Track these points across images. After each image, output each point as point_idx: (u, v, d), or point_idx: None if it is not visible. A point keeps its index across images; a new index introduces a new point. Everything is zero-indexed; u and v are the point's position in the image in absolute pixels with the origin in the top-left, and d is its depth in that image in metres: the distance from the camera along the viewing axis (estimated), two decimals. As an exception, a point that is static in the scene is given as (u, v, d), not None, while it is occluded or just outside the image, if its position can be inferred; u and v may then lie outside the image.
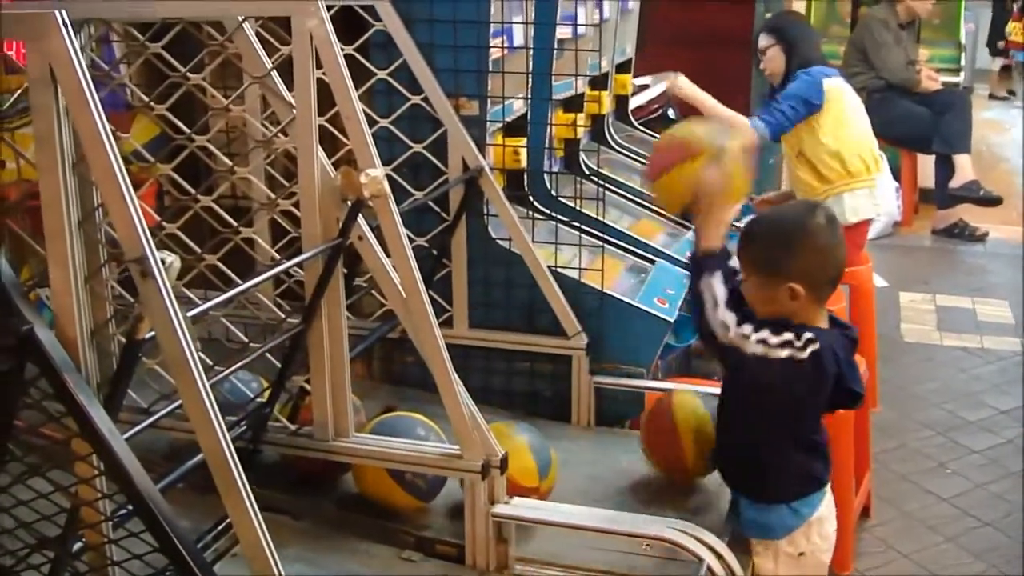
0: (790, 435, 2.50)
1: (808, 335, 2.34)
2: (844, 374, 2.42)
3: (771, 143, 4.68)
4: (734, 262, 2.50)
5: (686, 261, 2.88)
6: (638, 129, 4.87)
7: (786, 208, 2.64)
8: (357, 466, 2.69)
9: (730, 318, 2.38)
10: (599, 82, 4.23)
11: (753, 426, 2.51)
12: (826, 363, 2.35)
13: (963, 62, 8.79)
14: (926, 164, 7.74)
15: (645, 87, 5.35)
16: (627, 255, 3.67)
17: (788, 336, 2.34)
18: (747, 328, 2.36)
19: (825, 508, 2.58)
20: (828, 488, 2.61)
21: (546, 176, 3.66)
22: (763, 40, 4.73)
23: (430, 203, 3.25)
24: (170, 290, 1.70)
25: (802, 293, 2.36)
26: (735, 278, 2.49)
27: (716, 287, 2.41)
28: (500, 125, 3.45)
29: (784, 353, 2.32)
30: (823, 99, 4.51)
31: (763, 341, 2.34)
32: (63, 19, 1.63)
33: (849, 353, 2.48)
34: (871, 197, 4.62)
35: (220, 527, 2.11)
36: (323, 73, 2.36)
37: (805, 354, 2.32)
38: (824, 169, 4.57)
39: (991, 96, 12.99)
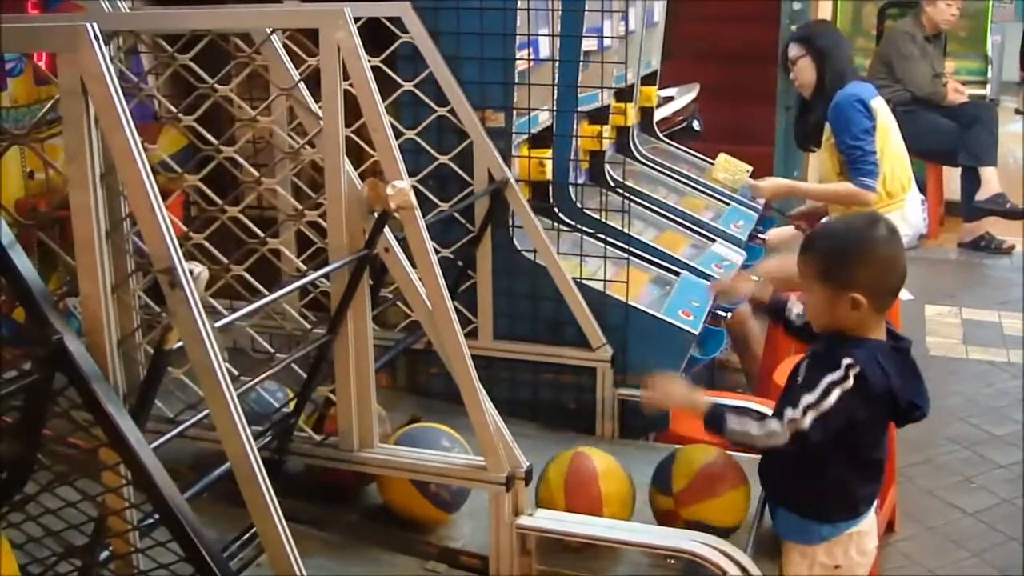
0: (850, 455, 2.47)
1: (847, 361, 2.33)
2: (895, 387, 2.40)
3: (794, 157, 4.63)
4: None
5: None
6: (663, 141, 4.89)
7: (848, 220, 2.66)
8: (382, 477, 2.69)
9: (773, 424, 2.35)
10: (624, 94, 4.24)
11: (816, 453, 2.44)
12: (872, 381, 2.34)
13: (990, 74, 8.72)
14: (952, 177, 7.70)
15: (670, 99, 5.35)
16: (652, 267, 3.66)
17: (829, 378, 2.33)
18: (792, 412, 2.33)
19: (866, 523, 2.56)
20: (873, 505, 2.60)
21: (571, 188, 3.66)
22: (793, 50, 4.65)
23: (455, 215, 3.26)
24: (199, 301, 1.71)
25: (864, 304, 2.37)
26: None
27: (742, 423, 2.39)
28: (526, 137, 3.45)
29: (834, 396, 2.32)
30: (873, 114, 4.47)
31: (811, 407, 2.32)
32: (95, 32, 1.64)
33: (903, 365, 2.46)
34: (902, 218, 4.58)
35: (245, 536, 2.11)
36: (350, 85, 2.37)
37: (851, 382, 2.32)
38: None
39: (1017, 112, 12.86)
